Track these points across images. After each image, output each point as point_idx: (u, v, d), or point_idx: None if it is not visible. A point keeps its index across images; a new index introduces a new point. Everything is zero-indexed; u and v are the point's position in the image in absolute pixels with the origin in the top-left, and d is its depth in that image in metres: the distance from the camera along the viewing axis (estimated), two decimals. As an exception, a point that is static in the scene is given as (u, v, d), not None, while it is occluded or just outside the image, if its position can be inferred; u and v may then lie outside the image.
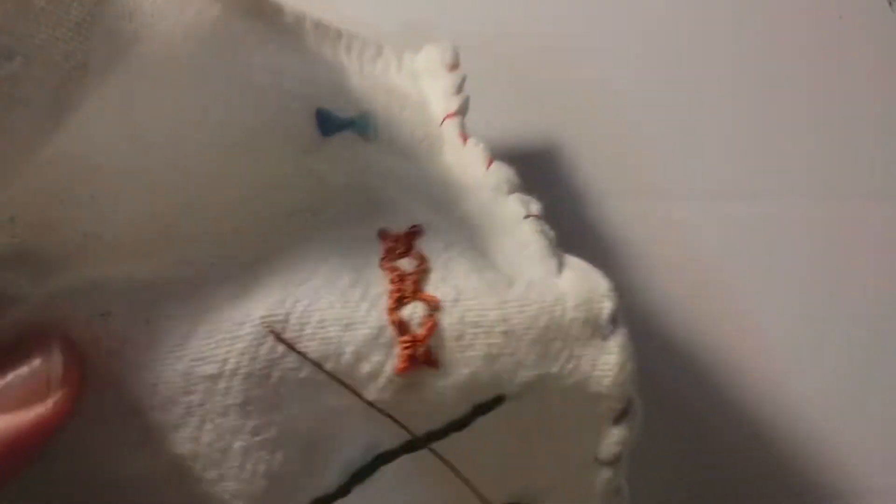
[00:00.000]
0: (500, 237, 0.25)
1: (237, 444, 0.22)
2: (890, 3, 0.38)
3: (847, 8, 0.42)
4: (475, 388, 0.23)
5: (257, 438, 0.22)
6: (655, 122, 0.39)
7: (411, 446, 0.23)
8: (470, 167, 0.28)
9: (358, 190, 0.26)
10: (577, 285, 0.23)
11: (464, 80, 0.30)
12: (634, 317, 0.37)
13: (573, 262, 0.24)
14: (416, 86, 0.31)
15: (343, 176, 0.26)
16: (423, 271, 0.23)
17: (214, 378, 0.21)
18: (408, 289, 0.22)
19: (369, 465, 0.23)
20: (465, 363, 0.22)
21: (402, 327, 0.22)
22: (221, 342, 0.22)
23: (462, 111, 0.30)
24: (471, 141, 0.28)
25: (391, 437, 0.22)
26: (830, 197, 0.39)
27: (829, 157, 0.40)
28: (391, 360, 0.22)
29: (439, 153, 0.29)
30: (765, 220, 0.38)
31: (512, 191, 0.26)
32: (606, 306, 0.23)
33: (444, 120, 0.29)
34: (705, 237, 0.38)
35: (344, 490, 0.23)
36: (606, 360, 0.23)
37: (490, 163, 0.27)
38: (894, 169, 0.40)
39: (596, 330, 0.23)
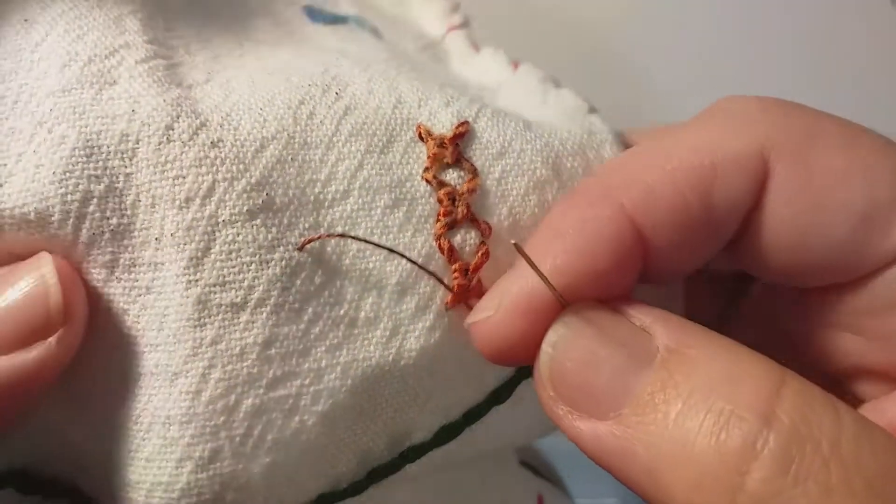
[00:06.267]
0: (559, 128, 0.22)
1: (247, 402, 0.18)
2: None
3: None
4: None
5: (273, 395, 0.18)
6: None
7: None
8: (490, 72, 0.24)
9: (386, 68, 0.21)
10: None
11: (458, 4, 0.28)
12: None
13: None
14: (402, 5, 0.28)
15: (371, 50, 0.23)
16: (474, 189, 0.20)
17: (236, 308, 0.18)
18: (459, 212, 0.19)
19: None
20: None
21: (452, 255, 0.19)
22: (247, 265, 0.18)
23: (465, 24, 0.27)
24: (486, 49, 0.25)
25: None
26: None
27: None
28: (440, 291, 0.19)
29: (445, 62, 0.25)
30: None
31: (559, 85, 0.23)
32: None
33: (447, 32, 0.26)
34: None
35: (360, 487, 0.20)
36: None
37: (516, 66, 0.24)
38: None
39: None
